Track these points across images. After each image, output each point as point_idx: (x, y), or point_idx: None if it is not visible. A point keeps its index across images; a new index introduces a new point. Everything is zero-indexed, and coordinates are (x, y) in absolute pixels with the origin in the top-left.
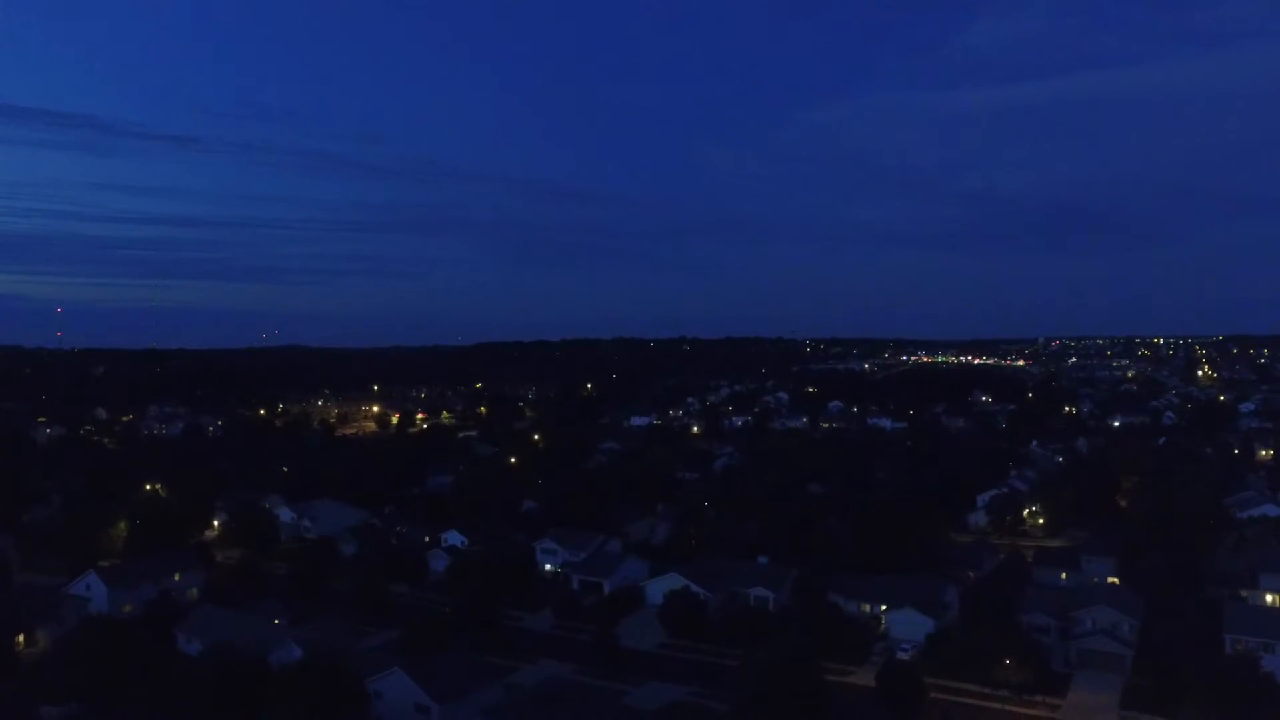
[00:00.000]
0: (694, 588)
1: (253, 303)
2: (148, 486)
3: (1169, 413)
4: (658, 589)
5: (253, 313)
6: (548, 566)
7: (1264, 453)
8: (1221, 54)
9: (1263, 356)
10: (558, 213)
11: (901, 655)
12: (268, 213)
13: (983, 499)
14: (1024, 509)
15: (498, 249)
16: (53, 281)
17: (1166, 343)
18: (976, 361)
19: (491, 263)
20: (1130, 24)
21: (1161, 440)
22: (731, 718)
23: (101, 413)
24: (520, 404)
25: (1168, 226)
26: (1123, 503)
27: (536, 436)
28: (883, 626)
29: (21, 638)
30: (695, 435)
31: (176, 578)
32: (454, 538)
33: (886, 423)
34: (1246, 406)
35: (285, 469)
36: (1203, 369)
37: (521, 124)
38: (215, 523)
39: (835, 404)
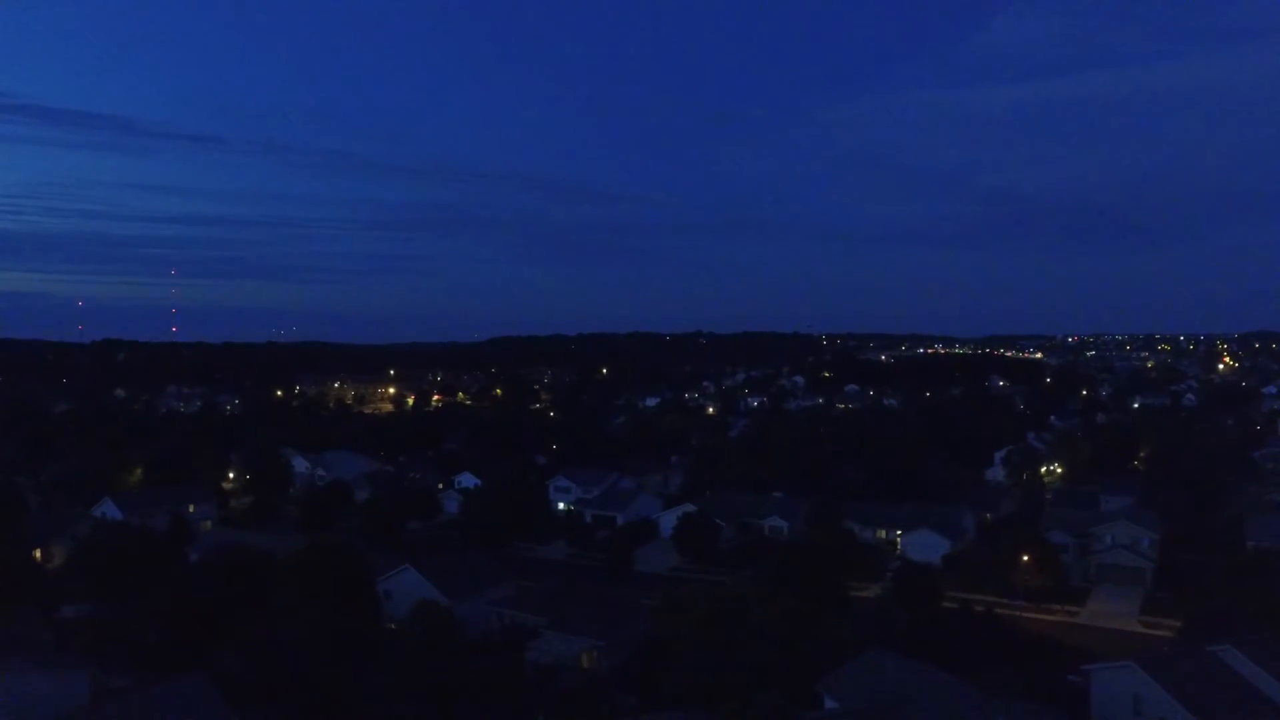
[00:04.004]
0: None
1: (272, 300)
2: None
3: (1189, 395)
4: (671, 521)
5: (272, 310)
6: (560, 505)
7: None
8: (1244, 52)
9: None
10: (575, 211)
11: None
12: (289, 211)
13: (999, 455)
14: (1042, 465)
15: (515, 247)
16: (77, 280)
17: (1187, 339)
18: (995, 354)
19: (509, 261)
20: (1153, 22)
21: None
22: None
23: (121, 392)
24: (536, 387)
25: (1189, 224)
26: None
27: (551, 414)
28: (899, 550)
29: (38, 552)
30: (710, 415)
31: (191, 509)
32: (467, 480)
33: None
34: (1269, 389)
35: (301, 433)
36: (1224, 361)
37: (540, 123)
38: (230, 474)
39: (851, 387)
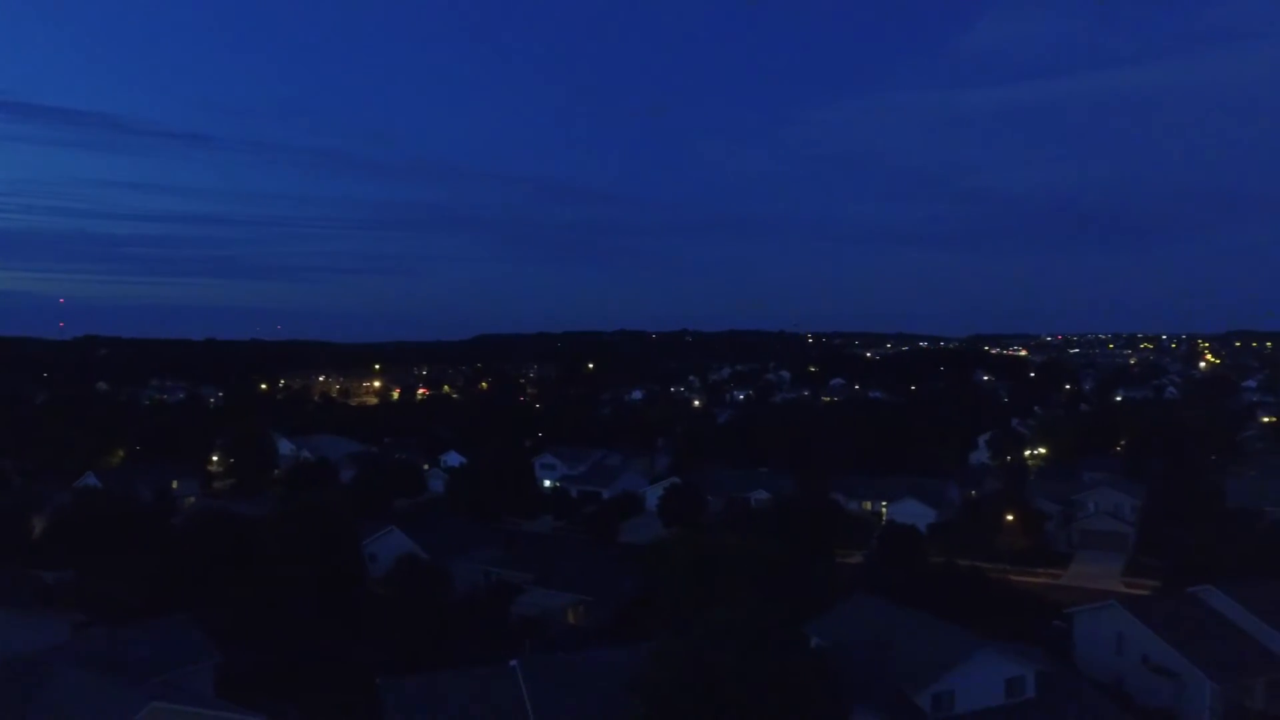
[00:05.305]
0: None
1: (259, 300)
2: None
3: (1171, 388)
4: (657, 494)
5: (259, 310)
6: (546, 483)
7: (1266, 419)
8: (1225, 55)
9: (1265, 349)
10: (562, 210)
11: None
12: (277, 210)
13: (983, 439)
14: (1025, 449)
15: (502, 246)
16: (61, 279)
17: (1169, 337)
18: (980, 350)
19: (495, 260)
20: (1135, 25)
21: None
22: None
23: (103, 385)
24: (521, 381)
25: (1171, 225)
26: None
27: (538, 406)
28: (884, 519)
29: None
30: (696, 407)
31: (175, 485)
32: (453, 459)
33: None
34: (1249, 383)
35: (286, 420)
36: (1205, 359)
37: (529, 122)
38: (214, 457)
39: (837, 380)
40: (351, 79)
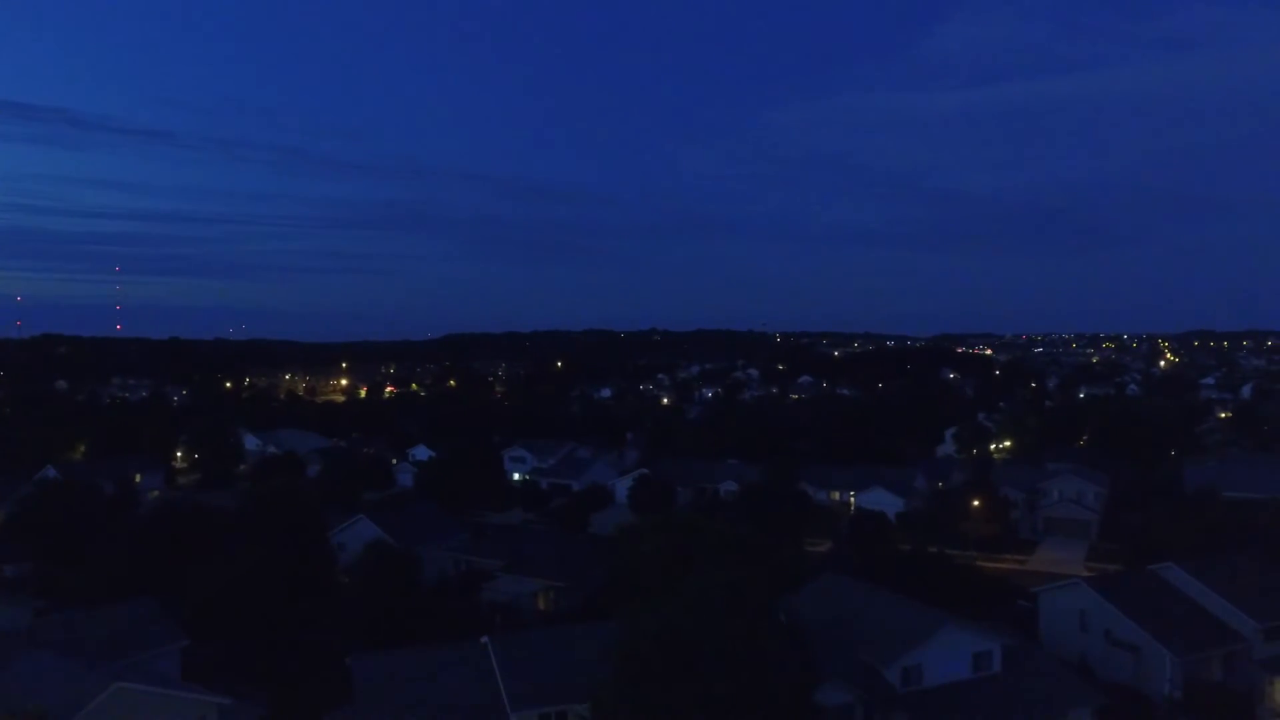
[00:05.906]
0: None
1: (223, 299)
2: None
3: (1132, 385)
4: (627, 486)
5: (224, 308)
6: (516, 476)
7: (1223, 414)
8: (1183, 60)
9: (1223, 348)
10: (530, 210)
11: None
12: (243, 209)
13: (950, 433)
14: (991, 442)
15: (470, 246)
16: (18, 277)
17: (1130, 337)
18: (946, 348)
19: (464, 259)
20: (1095, 30)
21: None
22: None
23: (62, 384)
24: (490, 379)
25: (1133, 227)
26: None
27: (506, 404)
28: (852, 509)
29: None
30: (666, 404)
31: (138, 479)
32: (421, 453)
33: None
34: (1207, 380)
35: (252, 417)
36: (1165, 357)
37: (498, 123)
38: (178, 454)
39: (805, 378)
40: (317, 76)
